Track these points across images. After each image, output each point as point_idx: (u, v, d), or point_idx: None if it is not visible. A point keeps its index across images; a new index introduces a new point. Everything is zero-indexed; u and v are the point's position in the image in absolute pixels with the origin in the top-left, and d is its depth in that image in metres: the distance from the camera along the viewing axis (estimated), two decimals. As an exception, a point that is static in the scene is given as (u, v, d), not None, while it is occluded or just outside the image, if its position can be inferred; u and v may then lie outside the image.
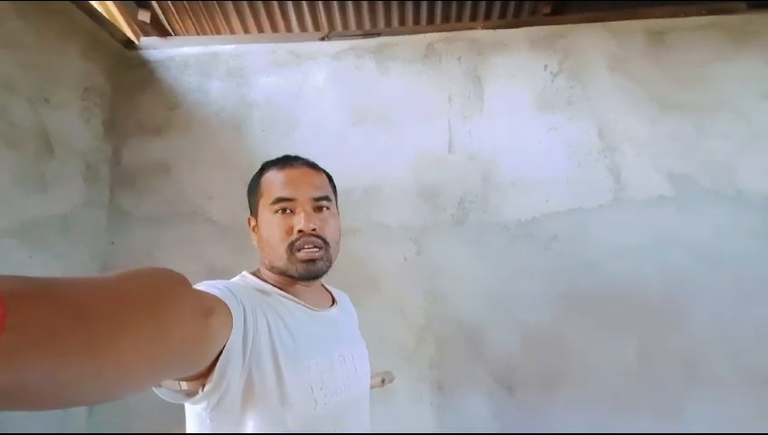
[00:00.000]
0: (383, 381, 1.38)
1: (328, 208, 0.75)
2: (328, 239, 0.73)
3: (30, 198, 1.45)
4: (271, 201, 0.72)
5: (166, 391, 0.54)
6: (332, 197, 0.78)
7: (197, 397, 0.55)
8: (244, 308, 0.59)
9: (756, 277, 1.53)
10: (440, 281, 1.65)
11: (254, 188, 0.78)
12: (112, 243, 1.74)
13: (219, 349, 0.53)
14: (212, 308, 0.51)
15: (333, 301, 0.84)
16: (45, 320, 0.28)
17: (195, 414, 0.61)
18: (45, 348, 0.28)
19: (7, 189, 1.37)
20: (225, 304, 0.55)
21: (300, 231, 0.69)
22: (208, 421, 0.59)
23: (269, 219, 0.72)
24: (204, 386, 0.54)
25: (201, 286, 0.58)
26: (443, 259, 1.67)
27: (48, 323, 0.28)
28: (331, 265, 0.74)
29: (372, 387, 1.32)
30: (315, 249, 0.70)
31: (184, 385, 0.55)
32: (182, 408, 0.64)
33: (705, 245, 1.58)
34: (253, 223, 0.78)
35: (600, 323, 1.57)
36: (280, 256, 0.70)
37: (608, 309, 1.57)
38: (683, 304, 1.55)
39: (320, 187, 0.75)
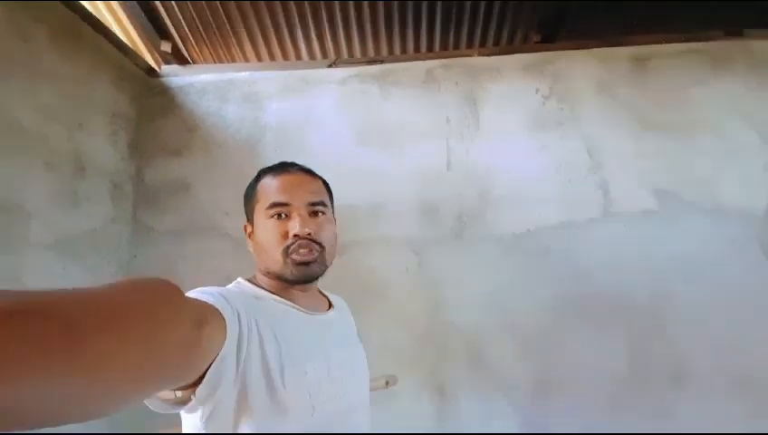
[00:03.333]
0: (387, 383, 1.48)
1: (323, 213, 0.75)
2: (323, 243, 0.73)
3: (65, 214, 1.59)
4: (266, 206, 0.72)
5: (157, 402, 0.54)
6: (328, 202, 0.79)
7: (190, 405, 0.54)
8: (239, 314, 0.58)
9: (736, 284, 1.64)
10: (440, 290, 1.76)
11: (250, 195, 0.78)
12: (135, 256, 1.87)
13: (213, 358, 0.52)
14: (205, 318, 0.51)
15: (330, 305, 0.84)
16: (36, 335, 0.28)
17: (190, 422, 0.60)
18: (36, 364, 0.27)
19: (46, 207, 1.51)
20: (219, 312, 0.54)
21: (295, 235, 0.69)
22: (204, 429, 0.58)
23: (264, 224, 0.72)
24: (194, 394, 0.53)
25: (194, 293, 0.57)
26: (443, 270, 1.78)
27: (38, 339, 0.28)
28: (326, 269, 0.75)
29: (376, 389, 1.42)
30: (309, 252, 0.70)
31: (178, 393, 0.54)
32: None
33: (689, 255, 1.69)
34: (249, 229, 0.78)
35: (591, 330, 1.66)
36: (275, 261, 0.70)
37: (598, 316, 1.67)
38: (668, 310, 1.65)
39: (315, 192, 0.75)
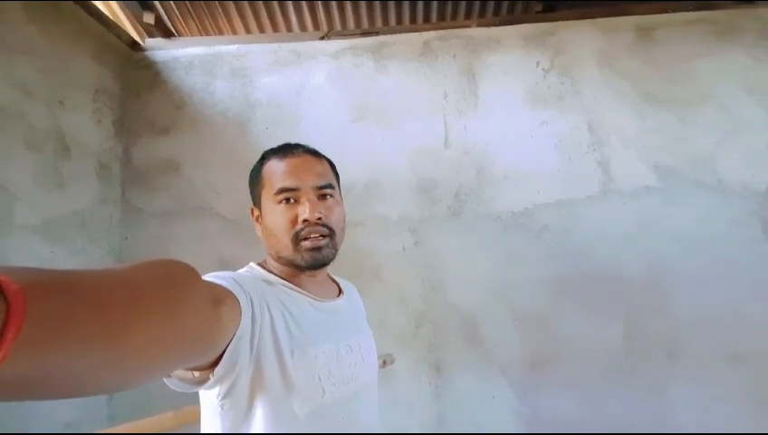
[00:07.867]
0: (384, 362, 1.48)
1: (332, 196, 0.74)
2: (333, 227, 0.72)
3: (50, 196, 1.53)
4: (274, 191, 0.71)
5: (176, 381, 0.56)
6: (335, 184, 0.77)
7: (208, 383, 0.56)
8: (251, 298, 0.60)
9: (735, 261, 1.63)
10: (437, 269, 1.75)
11: (255, 179, 0.76)
12: (126, 238, 1.83)
13: (230, 338, 0.54)
14: (221, 298, 0.52)
15: (340, 291, 0.84)
16: (64, 310, 0.29)
17: (208, 402, 0.63)
18: (65, 338, 0.28)
19: (30, 189, 1.46)
20: (233, 295, 0.56)
21: (305, 221, 0.69)
22: (220, 410, 0.61)
23: (273, 210, 0.71)
24: (213, 374, 0.55)
25: (209, 277, 0.59)
26: (440, 249, 1.76)
27: (67, 313, 0.29)
28: (336, 253, 0.74)
29: (374, 368, 1.42)
30: (321, 237, 0.70)
31: (196, 373, 0.56)
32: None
33: (688, 232, 1.67)
34: (256, 213, 0.77)
35: (589, 307, 1.66)
36: (286, 247, 0.70)
37: (596, 293, 1.67)
38: (666, 287, 1.64)
39: (322, 174, 0.74)
